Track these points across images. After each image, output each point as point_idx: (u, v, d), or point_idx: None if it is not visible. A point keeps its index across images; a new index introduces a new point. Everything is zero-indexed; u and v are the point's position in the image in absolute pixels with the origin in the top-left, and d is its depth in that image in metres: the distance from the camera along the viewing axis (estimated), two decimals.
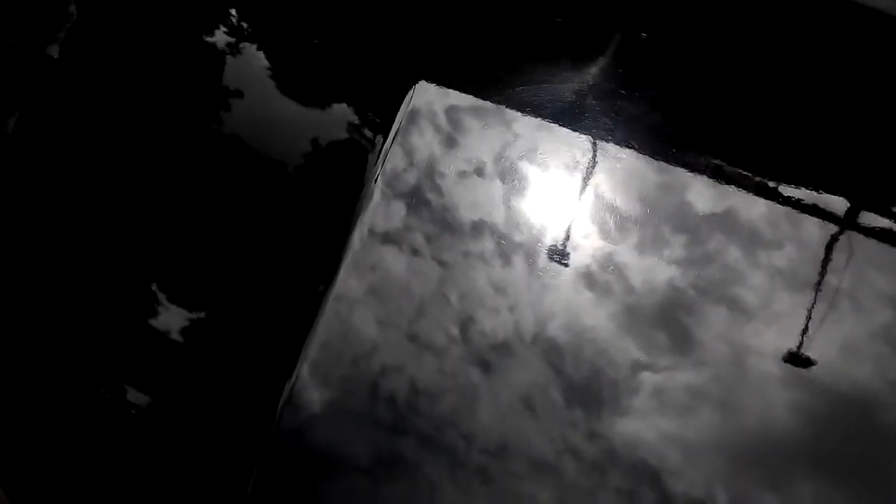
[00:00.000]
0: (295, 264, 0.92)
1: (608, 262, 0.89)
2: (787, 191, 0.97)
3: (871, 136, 1.07)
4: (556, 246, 0.90)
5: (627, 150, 0.98)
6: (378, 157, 0.98)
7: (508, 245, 0.89)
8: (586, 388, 0.80)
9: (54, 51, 1.04)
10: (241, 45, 1.12)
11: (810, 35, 1.14)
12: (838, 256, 0.91)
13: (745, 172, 0.98)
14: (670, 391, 0.80)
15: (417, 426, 0.77)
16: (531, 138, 0.99)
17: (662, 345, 0.83)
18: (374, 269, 0.87)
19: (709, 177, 0.97)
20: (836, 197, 0.97)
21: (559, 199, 0.95)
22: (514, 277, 0.87)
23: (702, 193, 0.95)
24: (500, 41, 1.14)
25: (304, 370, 0.79)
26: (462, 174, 0.95)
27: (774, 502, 0.75)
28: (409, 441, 0.76)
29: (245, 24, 1.14)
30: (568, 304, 0.85)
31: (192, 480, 0.80)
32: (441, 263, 0.88)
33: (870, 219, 0.96)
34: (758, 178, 0.98)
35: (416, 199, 0.92)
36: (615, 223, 0.92)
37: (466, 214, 0.91)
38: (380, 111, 1.06)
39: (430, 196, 0.93)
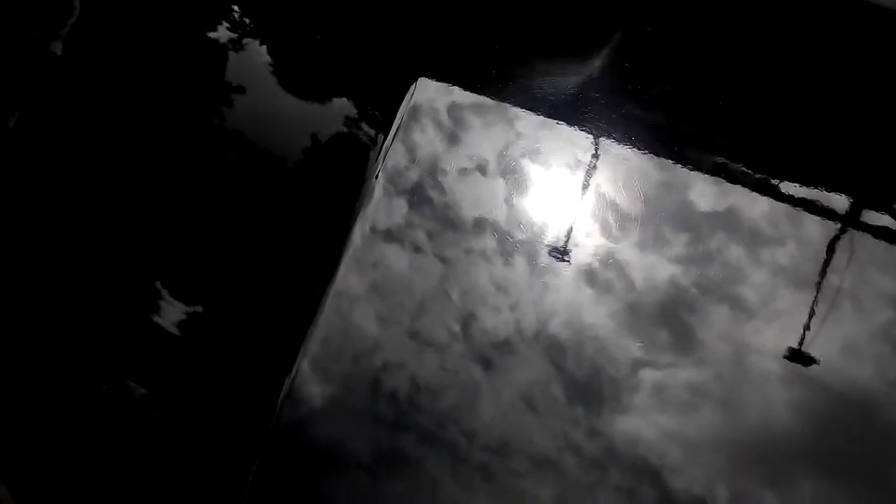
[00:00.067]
0: (295, 259, 0.93)
1: (610, 260, 0.89)
2: (788, 189, 0.97)
3: (873, 134, 1.07)
4: (557, 243, 0.91)
5: (629, 148, 0.99)
6: (379, 153, 0.98)
7: (510, 242, 0.90)
8: (587, 385, 0.80)
9: (57, 47, 1.04)
10: (244, 41, 1.12)
11: (813, 32, 1.14)
12: (840, 255, 0.91)
13: (746, 170, 0.99)
14: (671, 389, 0.81)
15: (419, 422, 0.77)
16: (533, 136, 0.99)
17: (663, 342, 0.84)
18: (375, 265, 0.87)
19: (710, 175, 0.98)
20: (838, 195, 0.97)
21: (561, 196, 0.96)
22: (516, 275, 0.88)
23: (703, 191, 0.96)
24: (500, 37, 1.14)
25: (304, 365, 0.80)
26: (463, 171, 0.96)
27: (775, 500, 0.75)
28: (411, 437, 0.77)
29: (247, 21, 1.14)
30: (569, 302, 0.86)
31: (193, 473, 0.81)
32: (442, 260, 0.88)
33: (872, 217, 0.96)
34: (759, 176, 0.98)
35: (417, 196, 0.93)
36: (617, 221, 0.92)
37: (468, 212, 0.92)
38: (380, 108, 1.06)
39: (431, 193, 0.94)
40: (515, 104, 1.02)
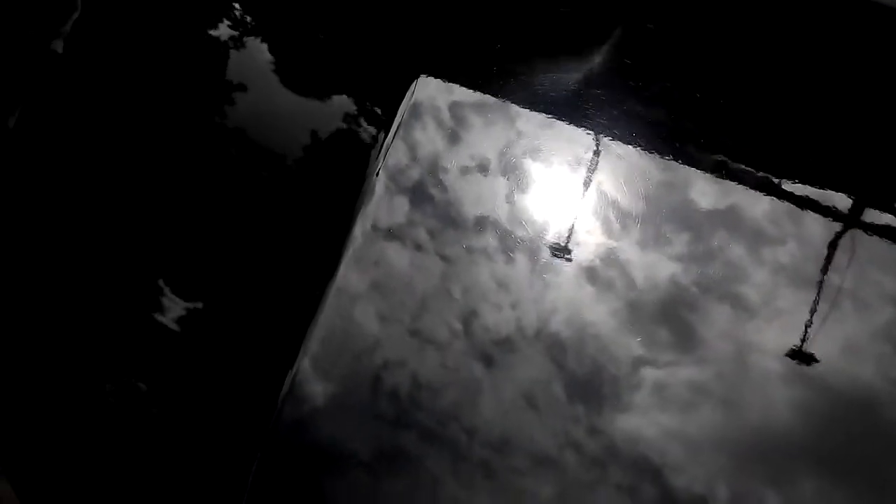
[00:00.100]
0: (296, 257, 0.93)
1: (611, 259, 0.89)
2: (790, 187, 0.97)
3: (875, 132, 1.07)
4: (558, 241, 0.91)
5: (630, 146, 0.99)
6: (379, 151, 0.99)
7: (511, 240, 0.90)
8: (588, 383, 0.81)
9: (59, 45, 1.04)
10: (245, 39, 1.12)
11: (815, 30, 1.14)
12: (842, 253, 0.92)
13: (748, 169, 0.99)
14: (672, 387, 0.81)
15: (419, 420, 0.78)
16: (533, 134, 1.00)
17: (665, 341, 0.84)
18: (375, 263, 0.88)
19: (712, 173, 0.98)
20: (840, 194, 0.97)
21: (562, 194, 0.96)
22: (517, 273, 0.88)
23: (705, 190, 0.96)
24: (501, 33, 1.15)
25: (304, 363, 0.80)
26: (464, 169, 0.96)
27: (776, 499, 0.76)
28: (411, 435, 0.77)
29: (249, 19, 1.15)
30: (570, 300, 0.86)
31: (194, 470, 0.81)
32: (443, 258, 0.89)
33: (874, 216, 0.96)
34: (761, 175, 0.98)
35: (417, 194, 0.93)
36: (618, 219, 0.93)
37: (469, 210, 0.92)
38: (381, 106, 1.06)
39: (432, 191, 0.94)
40: (516, 102, 1.03)
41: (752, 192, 0.96)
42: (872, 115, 1.09)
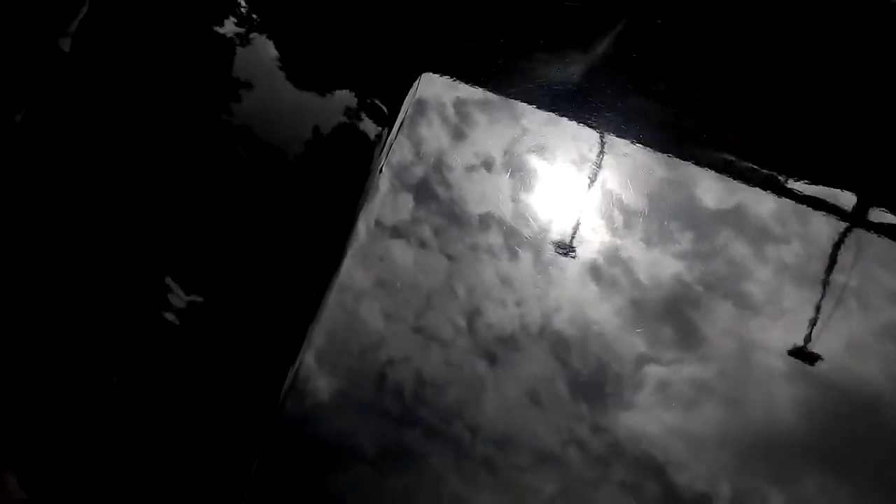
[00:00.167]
0: (298, 253, 0.94)
1: (615, 257, 0.90)
2: (795, 186, 0.98)
3: (881, 131, 1.08)
4: (563, 239, 0.92)
5: (635, 145, 1.00)
6: (383, 148, 0.99)
7: (515, 238, 0.91)
8: (592, 381, 0.82)
9: (65, 43, 1.05)
10: (250, 36, 1.13)
11: (822, 29, 1.14)
12: (846, 252, 0.92)
13: (753, 167, 1.00)
14: (676, 385, 0.82)
15: (423, 417, 0.78)
16: (538, 131, 1.00)
17: (668, 339, 0.85)
18: (378, 259, 0.88)
19: (717, 171, 0.98)
20: (845, 192, 0.98)
21: (566, 192, 0.97)
22: (521, 270, 0.89)
23: (709, 188, 0.97)
24: (505, 29, 1.15)
25: (307, 358, 0.81)
26: (467, 166, 0.97)
27: (779, 497, 0.76)
28: (415, 432, 0.78)
29: (252, 15, 1.15)
30: (574, 298, 0.87)
31: (196, 464, 0.82)
32: (446, 255, 0.89)
33: (878, 215, 0.97)
34: (766, 173, 0.99)
35: (420, 191, 0.94)
36: (622, 218, 0.94)
37: (472, 207, 0.93)
38: (384, 102, 1.07)
39: (435, 188, 0.94)
40: (521, 98, 1.03)
41: (757, 190, 0.97)
42: (878, 115, 1.09)
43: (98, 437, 0.83)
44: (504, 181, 0.96)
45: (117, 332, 0.89)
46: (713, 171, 0.98)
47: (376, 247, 0.89)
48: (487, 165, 0.97)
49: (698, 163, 0.99)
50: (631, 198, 0.95)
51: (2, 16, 1.05)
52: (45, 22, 1.06)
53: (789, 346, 0.85)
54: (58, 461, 0.83)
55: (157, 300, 0.91)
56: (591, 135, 1.01)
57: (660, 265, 0.90)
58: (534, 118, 1.02)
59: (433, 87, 1.04)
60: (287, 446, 0.78)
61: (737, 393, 0.82)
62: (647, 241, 0.92)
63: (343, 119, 1.06)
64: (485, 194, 0.94)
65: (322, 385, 0.80)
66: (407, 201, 0.93)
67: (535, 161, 0.98)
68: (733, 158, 1.00)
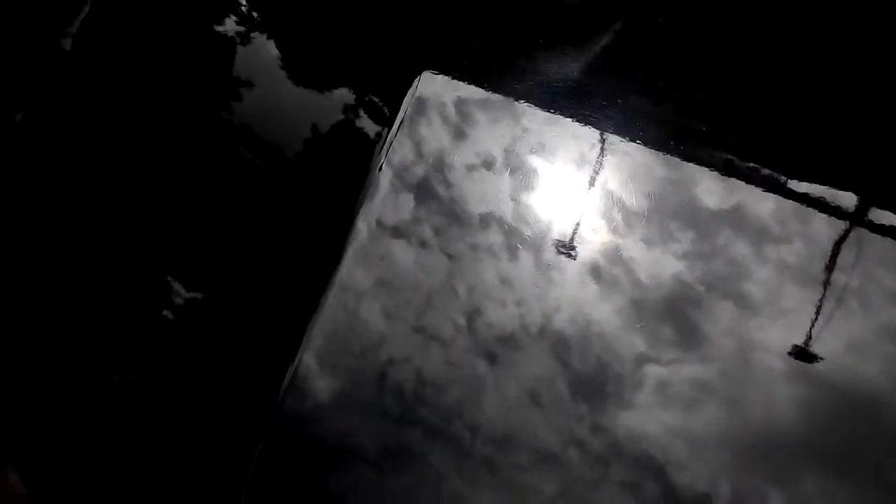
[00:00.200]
0: (298, 250, 0.94)
1: (615, 256, 0.91)
2: (796, 186, 0.98)
3: (882, 131, 1.08)
4: (563, 239, 0.92)
5: (636, 144, 1.00)
6: (382, 146, 1.00)
7: (515, 237, 0.91)
8: (592, 380, 0.82)
9: (67, 42, 1.05)
10: (249, 35, 1.13)
11: (823, 29, 1.15)
12: (847, 253, 0.93)
13: (753, 167, 1.00)
14: (675, 385, 0.82)
15: (423, 416, 0.79)
16: (538, 131, 1.01)
17: (668, 339, 0.85)
18: (377, 257, 0.89)
19: (717, 172, 0.99)
20: (846, 193, 0.99)
21: (567, 192, 0.97)
22: (522, 270, 0.89)
23: (710, 188, 0.97)
24: (506, 28, 1.15)
25: (307, 356, 0.82)
26: (466, 165, 0.97)
27: (779, 497, 0.77)
28: (415, 431, 0.78)
29: (253, 14, 1.15)
30: (574, 298, 0.88)
31: (195, 461, 0.82)
32: (444, 253, 0.89)
33: (879, 215, 0.98)
34: (766, 173, 1.00)
35: (419, 189, 0.94)
36: (623, 217, 0.94)
37: (472, 206, 0.93)
38: (384, 100, 1.07)
39: (434, 186, 0.95)
40: (521, 99, 1.04)
41: (757, 191, 0.98)
42: (879, 115, 1.09)
43: (98, 434, 0.84)
44: (504, 180, 0.96)
45: (117, 329, 0.90)
46: (714, 171, 0.99)
47: (377, 246, 0.90)
48: (488, 164, 0.97)
49: (699, 162, 0.99)
50: (631, 197, 0.96)
51: (4, 15, 1.05)
52: (47, 21, 1.06)
53: (789, 347, 0.86)
54: (58, 456, 0.83)
55: (157, 297, 0.91)
56: (591, 134, 1.01)
57: (660, 265, 0.90)
58: (534, 117, 1.02)
59: (433, 85, 1.04)
60: (287, 444, 0.78)
61: (737, 393, 0.82)
62: (648, 241, 0.92)
63: (343, 117, 1.06)
64: (485, 193, 0.95)
65: (323, 384, 0.80)
66: (407, 201, 0.93)
67: (535, 160, 0.98)
68: (734, 158, 1.01)
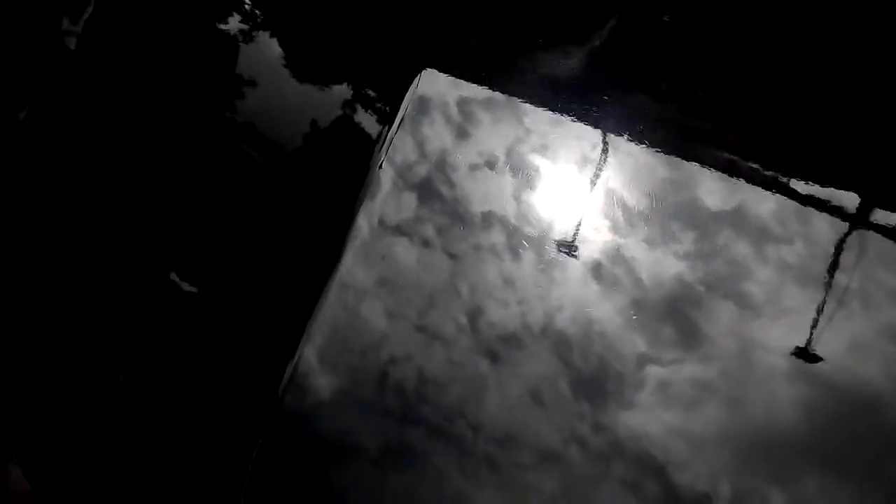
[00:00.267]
0: (296, 248, 0.95)
1: (617, 256, 0.92)
2: (797, 186, 0.99)
3: (884, 131, 1.09)
4: (565, 238, 0.93)
5: (638, 144, 1.01)
6: (382, 144, 1.00)
7: (517, 237, 0.92)
8: (593, 380, 0.83)
9: (71, 42, 1.06)
10: (250, 32, 1.13)
11: (826, 29, 1.15)
12: (848, 253, 0.94)
13: (755, 167, 1.01)
14: (677, 385, 0.83)
15: (424, 415, 0.80)
16: (540, 130, 1.02)
17: (670, 339, 0.86)
18: (378, 256, 0.90)
19: (719, 171, 1.00)
20: (848, 193, 1.00)
21: (569, 191, 0.98)
22: (523, 269, 0.90)
23: (712, 188, 0.98)
24: (508, 25, 1.16)
25: (310, 356, 0.82)
26: (467, 164, 0.98)
27: (780, 497, 0.78)
28: (417, 430, 0.79)
29: (254, 12, 1.16)
30: (576, 297, 0.89)
31: (194, 458, 0.83)
32: (447, 253, 0.90)
33: (881, 216, 0.99)
34: (768, 173, 1.00)
35: (420, 188, 0.95)
36: (625, 217, 0.95)
37: (475, 206, 0.94)
38: (384, 98, 1.08)
39: (435, 184, 0.96)
40: (523, 97, 1.04)
41: (759, 191, 0.98)
42: (881, 115, 1.10)
43: (99, 430, 0.85)
44: (506, 179, 0.97)
45: (118, 324, 0.91)
46: (716, 171, 1.00)
47: (378, 245, 0.90)
48: (489, 163, 0.98)
49: (701, 162, 1.00)
50: (633, 197, 0.96)
51: (7, 14, 1.06)
52: (50, 19, 1.07)
53: (791, 347, 0.87)
54: (60, 451, 0.84)
55: (157, 292, 0.92)
56: (593, 133, 1.02)
57: (662, 265, 0.91)
58: (536, 116, 1.03)
59: (434, 83, 1.05)
60: (287, 443, 0.79)
61: (738, 393, 0.83)
62: (650, 241, 0.93)
63: (342, 114, 1.07)
64: (487, 193, 0.95)
65: (324, 383, 0.81)
66: (409, 199, 0.94)
67: (537, 159, 0.99)
68: (736, 158, 1.01)
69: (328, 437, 0.79)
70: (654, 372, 0.84)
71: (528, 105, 1.04)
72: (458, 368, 0.83)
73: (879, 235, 0.97)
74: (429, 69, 1.06)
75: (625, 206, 0.96)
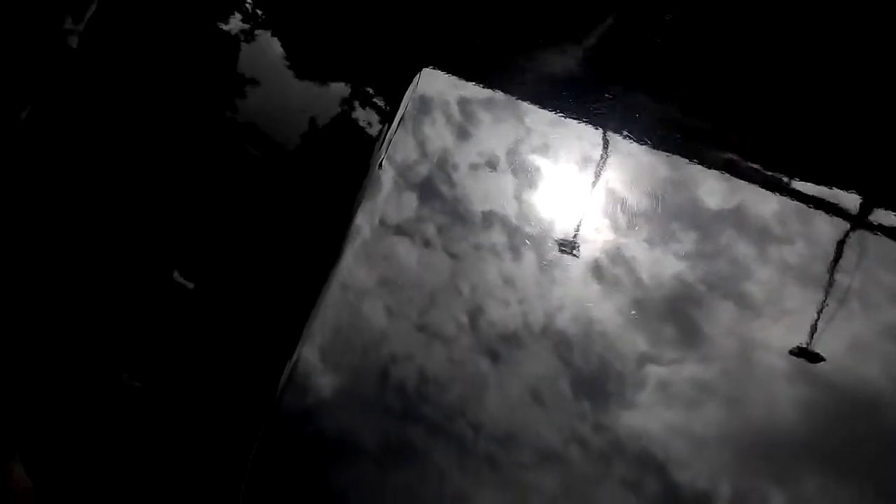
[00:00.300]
0: (295, 247, 0.95)
1: (618, 256, 0.92)
2: (798, 186, 1.00)
3: (885, 131, 1.09)
4: (566, 238, 0.94)
5: (638, 144, 1.01)
6: (382, 143, 1.01)
7: (517, 236, 0.93)
8: (593, 379, 0.84)
9: (73, 41, 1.07)
10: (251, 31, 1.14)
11: (827, 29, 1.16)
12: (849, 253, 0.94)
13: (756, 167, 1.01)
14: (677, 384, 0.84)
15: (426, 414, 0.80)
16: (540, 130, 1.02)
17: (670, 338, 0.87)
18: (378, 255, 0.90)
19: (720, 171, 1.00)
20: (849, 193, 1.00)
21: (570, 191, 0.99)
22: (524, 269, 0.91)
23: (713, 188, 0.98)
24: (508, 24, 1.16)
25: (310, 355, 0.83)
26: (467, 163, 0.98)
27: (780, 496, 0.78)
28: (418, 429, 0.80)
29: (255, 11, 1.16)
30: (577, 297, 0.89)
31: (194, 457, 0.84)
32: (447, 252, 0.91)
33: (882, 216, 0.99)
34: (769, 173, 1.01)
35: (419, 187, 0.95)
36: (626, 216, 0.96)
37: (476, 206, 0.95)
38: (384, 97, 1.08)
39: (435, 184, 0.96)
40: (523, 97, 1.05)
41: (760, 191, 0.99)
42: (883, 115, 1.11)
43: (100, 428, 0.85)
44: (507, 179, 0.97)
45: (119, 323, 0.91)
46: (717, 171, 1.00)
47: (379, 245, 0.91)
48: (490, 163, 0.98)
49: (702, 162, 1.01)
50: (634, 197, 0.97)
51: (9, 13, 1.06)
52: (53, 18, 1.07)
53: (791, 347, 0.87)
54: (62, 449, 0.84)
55: (156, 291, 0.93)
56: (594, 133, 1.02)
57: (662, 264, 0.92)
58: (536, 116, 1.03)
59: (434, 82, 1.05)
60: (288, 442, 0.80)
61: (738, 392, 0.84)
62: (650, 241, 0.94)
63: (342, 113, 1.07)
64: (487, 192, 0.96)
65: (325, 381, 0.82)
66: (409, 199, 0.94)
67: (537, 159, 0.99)
68: (736, 158, 1.02)
69: (329, 436, 0.80)
70: (654, 371, 0.85)
71: (528, 105, 1.04)
72: (459, 368, 0.83)
73: (880, 235, 0.97)
74: (429, 68, 1.06)
75: (625, 206, 0.96)
